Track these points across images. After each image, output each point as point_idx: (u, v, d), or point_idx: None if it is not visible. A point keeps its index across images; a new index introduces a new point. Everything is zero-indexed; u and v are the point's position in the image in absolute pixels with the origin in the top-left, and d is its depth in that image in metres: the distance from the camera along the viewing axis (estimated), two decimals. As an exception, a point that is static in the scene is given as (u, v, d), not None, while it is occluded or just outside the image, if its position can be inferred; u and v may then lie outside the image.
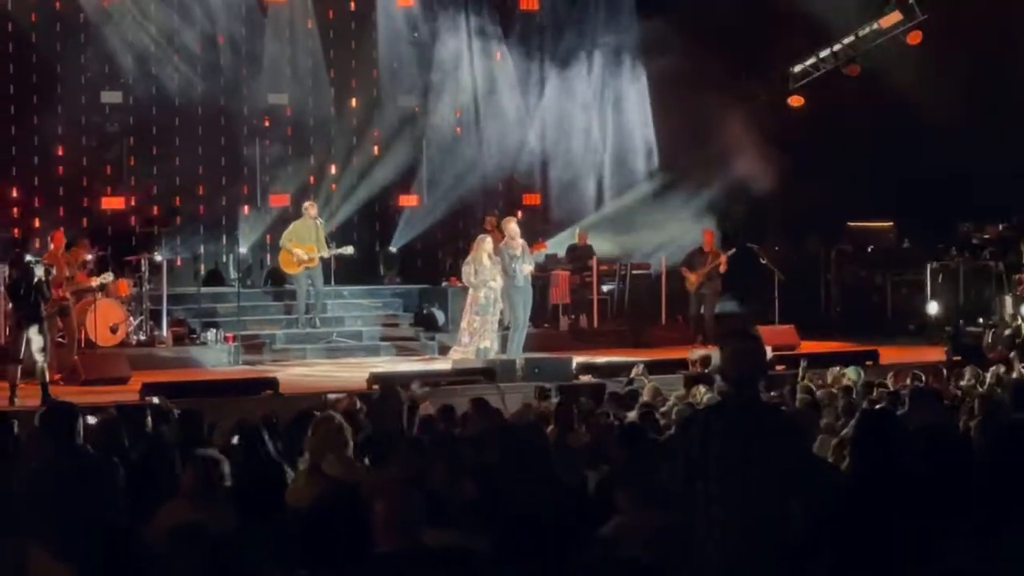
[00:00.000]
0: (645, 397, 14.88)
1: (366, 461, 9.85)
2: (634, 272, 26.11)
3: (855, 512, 7.09)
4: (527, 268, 21.29)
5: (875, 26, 27.20)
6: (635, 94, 28.51)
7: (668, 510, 7.62)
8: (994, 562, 6.52)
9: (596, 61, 28.45)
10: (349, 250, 23.64)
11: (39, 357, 17.26)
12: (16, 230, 23.64)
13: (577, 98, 28.31)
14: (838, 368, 16.93)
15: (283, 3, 25.98)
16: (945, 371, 17.25)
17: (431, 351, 23.05)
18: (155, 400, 15.35)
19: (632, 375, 17.64)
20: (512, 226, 21.48)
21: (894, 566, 6.92)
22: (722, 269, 24.07)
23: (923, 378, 15.56)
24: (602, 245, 26.54)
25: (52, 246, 20.22)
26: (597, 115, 28.54)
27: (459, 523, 7.30)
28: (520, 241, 21.40)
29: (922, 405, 10.05)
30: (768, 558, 6.42)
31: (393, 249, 26.72)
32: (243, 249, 25.44)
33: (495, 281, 20.97)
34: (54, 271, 19.07)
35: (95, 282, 20.14)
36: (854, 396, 13.83)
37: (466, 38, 27.36)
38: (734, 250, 23.94)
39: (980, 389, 14.62)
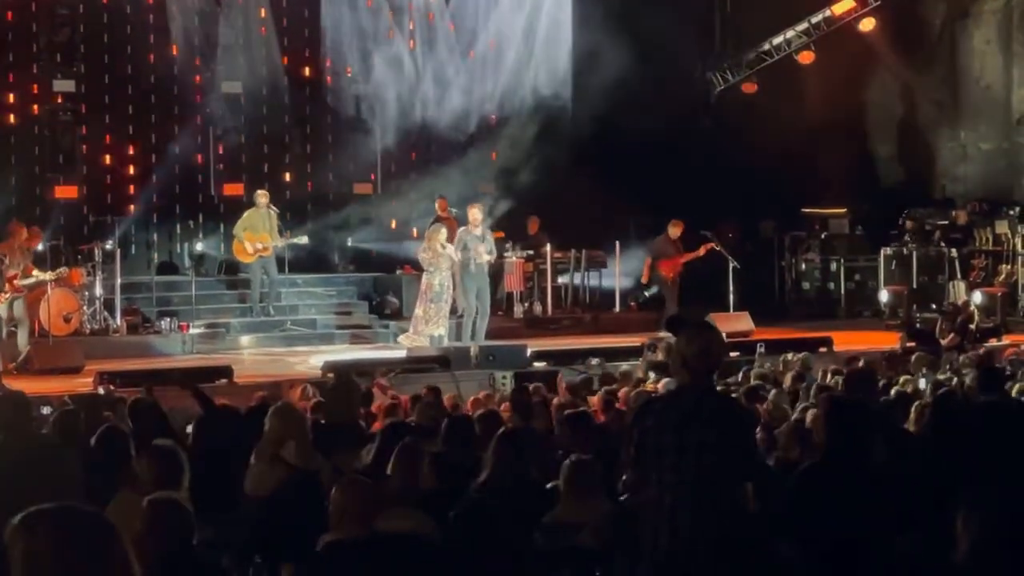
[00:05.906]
0: (600, 385, 14.92)
1: (321, 449, 9.85)
2: (589, 260, 26.09)
3: (816, 500, 7.14)
4: (485, 256, 21.19)
5: (827, 13, 27.30)
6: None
7: (616, 497, 7.65)
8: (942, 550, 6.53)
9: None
10: (304, 239, 23.65)
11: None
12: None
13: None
14: (791, 354, 17.06)
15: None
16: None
17: (385, 339, 23.02)
18: (100, 390, 15.35)
19: (587, 363, 17.71)
20: (475, 211, 21.43)
21: (852, 554, 6.97)
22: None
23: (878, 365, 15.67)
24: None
25: (10, 237, 19.95)
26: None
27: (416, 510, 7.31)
28: (481, 227, 21.36)
29: (857, 390, 9.86)
30: (721, 546, 6.44)
31: (349, 241, 26.62)
32: (200, 246, 25.29)
33: (449, 269, 20.97)
34: (7, 261, 18.96)
35: (49, 275, 19.96)
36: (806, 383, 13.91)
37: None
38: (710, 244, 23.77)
39: (935, 376, 14.67)
